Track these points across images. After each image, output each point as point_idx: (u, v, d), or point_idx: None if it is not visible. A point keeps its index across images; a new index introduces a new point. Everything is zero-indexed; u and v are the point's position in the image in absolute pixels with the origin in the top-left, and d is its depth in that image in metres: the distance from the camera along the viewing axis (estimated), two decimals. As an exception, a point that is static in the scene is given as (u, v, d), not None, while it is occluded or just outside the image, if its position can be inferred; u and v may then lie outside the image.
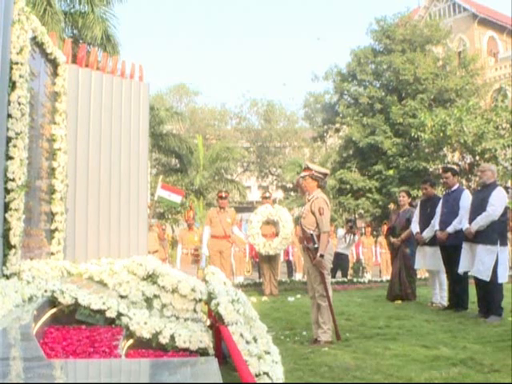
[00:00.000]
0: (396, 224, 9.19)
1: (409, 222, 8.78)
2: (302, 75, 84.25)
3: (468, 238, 6.97)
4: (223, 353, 4.24)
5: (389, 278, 10.01)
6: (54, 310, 4.21)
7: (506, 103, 25.89)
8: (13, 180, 4.67)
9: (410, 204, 9.42)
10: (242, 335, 3.83)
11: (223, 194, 10.13)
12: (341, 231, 14.09)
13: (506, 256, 7.01)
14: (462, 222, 7.26)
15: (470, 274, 7.30)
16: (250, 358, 3.49)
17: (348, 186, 27.22)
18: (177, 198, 13.96)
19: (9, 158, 4.67)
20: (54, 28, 13.24)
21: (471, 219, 6.95)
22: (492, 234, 6.74)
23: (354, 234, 13.37)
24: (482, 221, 6.79)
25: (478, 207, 6.91)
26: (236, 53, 78.65)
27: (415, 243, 8.49)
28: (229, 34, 80.00)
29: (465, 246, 7.06)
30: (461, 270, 7.15)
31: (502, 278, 6.77)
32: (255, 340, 3.92)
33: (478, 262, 6.78)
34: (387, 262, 13.90)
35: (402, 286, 8.83)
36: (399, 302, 8.54)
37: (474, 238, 6.87)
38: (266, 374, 3.43)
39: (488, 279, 6.65)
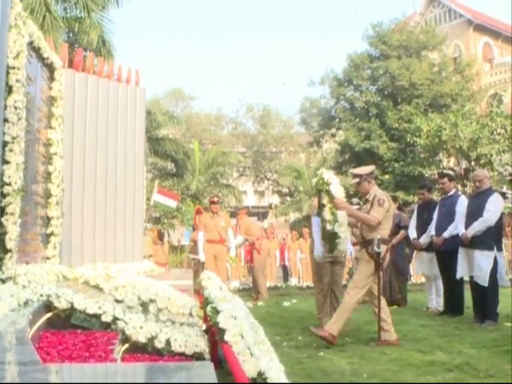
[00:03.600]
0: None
1: (398, 227, 8.74)
2: (298, 80, 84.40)
3: (464, 244, 6.99)
4: (219, 357, 4.23)
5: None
6: (49, 315, 4.20)
7: (502, 108, 25.99)
8: (9, 184, 4.67)
9: (399, 208, 9.38)
10: (238, 336, 3.82)
11: (215, 199, 10.18)
12: None
13: (502, 260, 7.06)
14: (457, 228, 7.25)
15: (465, 278, 7.31)
16: (245, 358, 3.47)
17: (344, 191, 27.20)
18: (172, 203, 13.97)
19: (5, 162, 4.67)
20: (55, 34, 13.21)
21: (467, 224, 6.95)
22: (489, 240, 6.75)
23: None
24: (478, 226, 6.79)
25: (474, 213, 6.91)
26: (232, 58, 78.75)
27: (406, 248, 8.47)
28: (226, 36, 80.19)
29: (461, 252, 7.05)
30: (459, 275, 7.15)
31: (503, 282, 6.82)
32: (253, 342, 3.90)
33: (475, 267, 6.79)
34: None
35: (392, 292, 8.80)
36: (395, 306, 8.52)
37: (471, 244, 6.86)
38: (263, 374, 3.41)
39: (486, 284, 6.66)
